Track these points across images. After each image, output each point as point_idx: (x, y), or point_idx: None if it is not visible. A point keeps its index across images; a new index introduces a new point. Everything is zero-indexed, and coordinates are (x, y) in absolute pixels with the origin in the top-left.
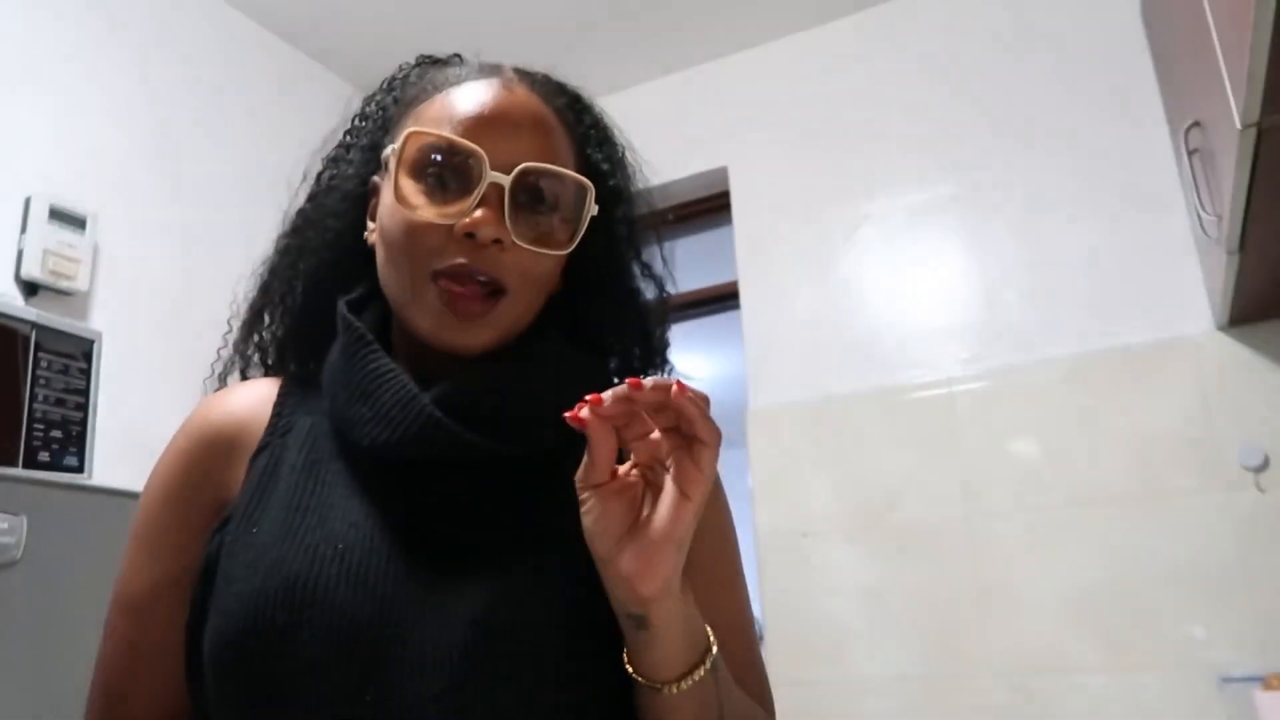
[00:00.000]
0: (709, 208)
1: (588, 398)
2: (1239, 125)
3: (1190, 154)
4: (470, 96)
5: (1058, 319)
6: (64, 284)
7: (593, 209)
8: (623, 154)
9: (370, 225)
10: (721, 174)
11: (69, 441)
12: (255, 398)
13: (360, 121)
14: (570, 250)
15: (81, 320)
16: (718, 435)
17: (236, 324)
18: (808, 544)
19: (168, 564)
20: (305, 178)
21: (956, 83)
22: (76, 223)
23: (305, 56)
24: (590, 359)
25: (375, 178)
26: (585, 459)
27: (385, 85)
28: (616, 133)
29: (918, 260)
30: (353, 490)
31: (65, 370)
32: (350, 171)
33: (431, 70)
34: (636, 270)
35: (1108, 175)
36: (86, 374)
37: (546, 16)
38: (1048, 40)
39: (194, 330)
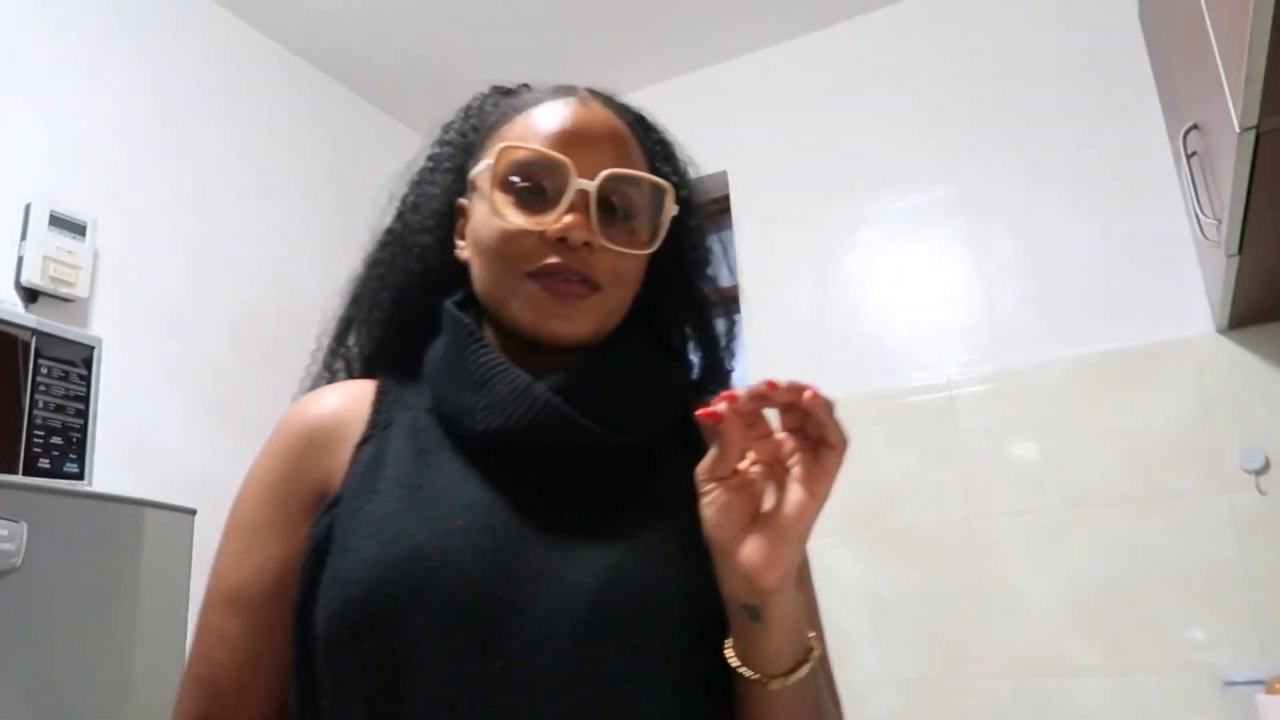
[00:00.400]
0: (709, 212)
1: (724, 394)
2: (1237, 128)
3: (1189, 157)
4: (552, 114)
5: (1057, 321)
6: (64, 290)
7: (673, 209)
8: (686, 169)
9: (460, 243)
10: (721, 178)
11: (69, 448)
12: (353, 394)
13: (442, 147)
14: (653, 250)
15: (82, 327)
16: (846, 440)
17: (326, 340)
18: (808, 546)
19: (271, 552)
20: (390, 199)
21: (955, 85)
22: (77, 229)
23: (306, 64)
24: (671, 362)
25: (462, 200)
26: (713, 452)
27: (463, 113)
28: (678, 148)
29: (917, 263)
30: (465, 475)
31: (65, 377)
32: (435, 192)
33: (507, 97)
34: (705, 279)
35: (1107, 178)
36: (86, 380)
37: (547, 23)
38: (1046, 43)
39: (194, 336)
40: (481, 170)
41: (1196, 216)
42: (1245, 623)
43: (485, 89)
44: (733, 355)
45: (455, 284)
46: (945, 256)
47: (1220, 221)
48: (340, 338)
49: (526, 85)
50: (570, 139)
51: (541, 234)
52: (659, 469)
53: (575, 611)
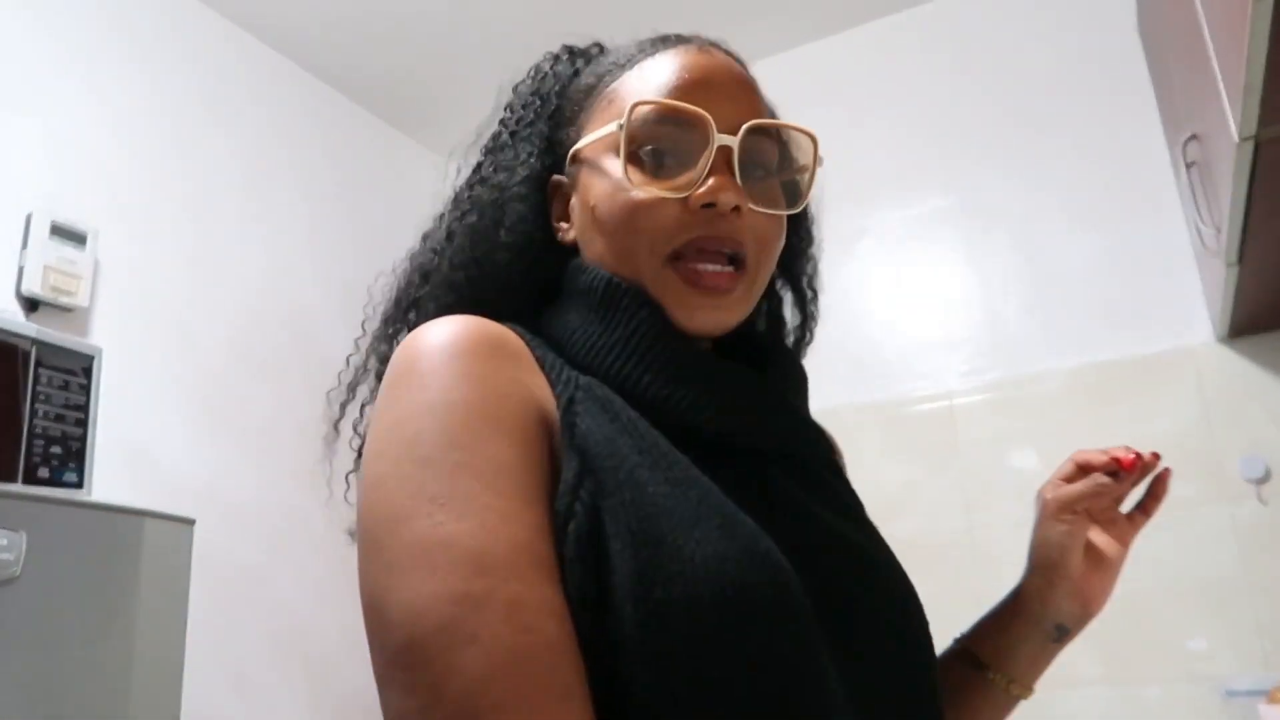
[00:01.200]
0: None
1: (1144, 455)
2: (1236, 138)
3: (1188, 166)
4: (677, 63)
5: (1057, 331)
6: (64, 300)
7: (821, 159)
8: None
9: (563, 225)
10: None
11: (68, 457)
12: (505, 332)
13: (516, 112)
14: (801, 208)
15: (82, 336)
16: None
17: (374, 324)
18: None
19: (541, 510)
20: (459, 171)
21: (954, 95)
22: (77, 239)
23: (307, 74)
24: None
25: (557, 176)
26: (1081, 486)
27: (536, 76)
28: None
29: (917, 273)
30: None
31: (65, 386)
32: (521, 159)
33: (588, 58)
34: (814, 257)
35: (1107, 187)
36: (86, 390)
37: (548, 35)
38: (1045, 52)
39: (194, 347)
40: (599, 137)
41: (1196, 226)
42: (1247, 632)
43: (553, 50)
44: (810, 341)
45: (543, 266)
46: (945, 266)
47: (1220, 231)
48: (402, 319)
49: (598, 45)
50: (704, 88)
51: (684, 202)
52: (840, 474)
53: (893, 610)
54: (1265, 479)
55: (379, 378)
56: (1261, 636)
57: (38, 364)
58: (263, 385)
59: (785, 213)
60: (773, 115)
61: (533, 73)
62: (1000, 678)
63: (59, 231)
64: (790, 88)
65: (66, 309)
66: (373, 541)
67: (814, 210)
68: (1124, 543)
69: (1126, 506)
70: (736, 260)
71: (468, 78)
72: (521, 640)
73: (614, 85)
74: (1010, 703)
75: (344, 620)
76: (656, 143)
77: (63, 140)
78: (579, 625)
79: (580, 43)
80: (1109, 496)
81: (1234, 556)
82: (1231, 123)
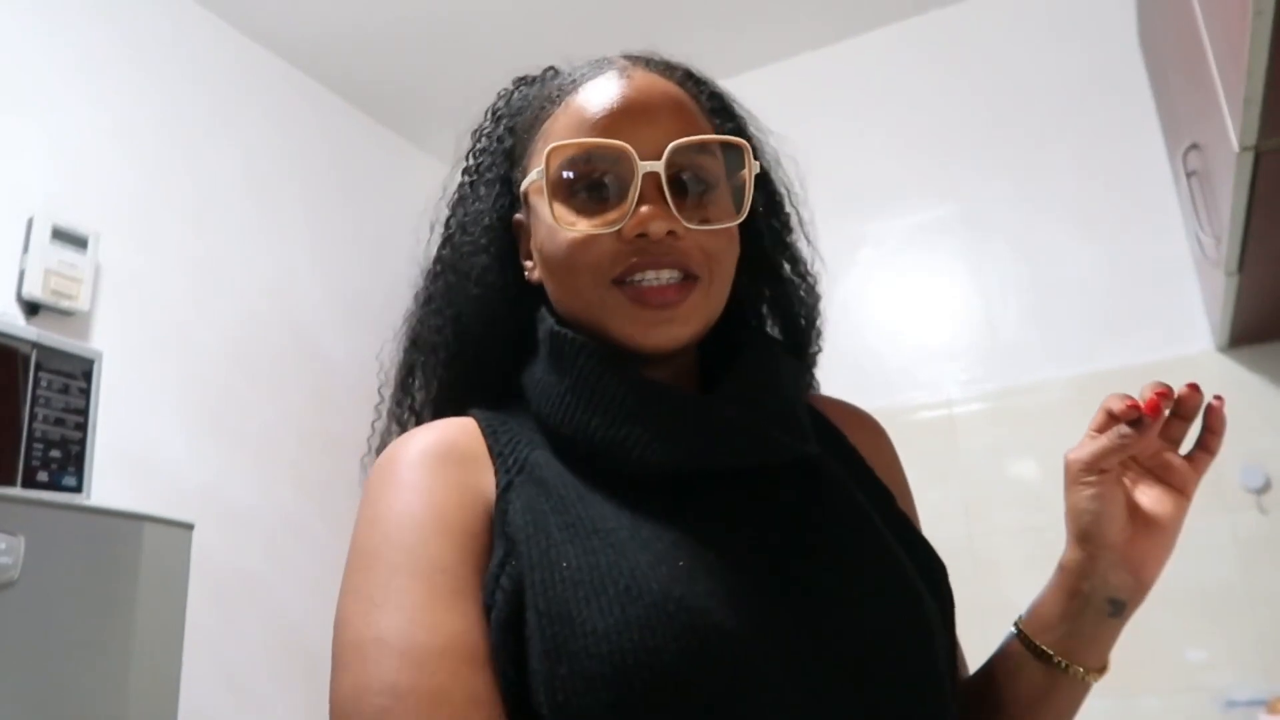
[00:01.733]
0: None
1: (1157, 389)
2: (1236, 148)
3: (1189, 176)
4: (595, 96)
5: (1058, 340)
6: (65, 304)
7: (755, 166)
8: (747, 121)
9: (528, 264)
10: None
11: (68, 461)
12: (456, 429)
13: (478, 158)
14: (743, 218)
15: (82, 340)
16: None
17: (388, 390)
18: None
19: (475, 606)
20: (433, 229)
21: (955, 104)
22: (79, 243)
23: (311, 80)
24: (787, 353)
25: (517, 216)
26: (1099, 445)
27: (492, 116)
28: (736, 104)
29: (918, 281)
30: (644, 512)
31: (65, 390)
32: (483, 208)
33: (535, 87)
34: (782, 246)
35: (1107, 197)
36: (86, 394)
37: (551, 44)
38: (1046, 62)
39: (195, 352)
40: (533, 180)
41: (1196, 235)
42: (1247, 643)
43: (507, 85)
44: (819, 333)
45: (522, 308)
46: (946, 275)
47: (1220, 240)
48: (404, 386)
49: (553, 69)
50: (622, 119)
51: (617, 235)
52: (824, 471)
53: (856, 644)
54: (1265, 489)
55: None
56: (1262, 647)
57: (38, 368)
58: (263, 391)
59: (726, 225)
60: (714, 125)
61: (489, 114)
62: (1066, 663)
63: (60, 235)
64: (792, 96)
65: (67, 313)
66: (332, 650)
67: (782, 188)
68: (1185, 492)
69: (1185, 447)
70: (686, 274)
71: (470, 84)
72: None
73: (547, 124)
74: (1084, 688)
75: None
76: (586, 179)
77: (65, 144)
78: (510, 707)
79: (538, 69)
80: (1143, 446)
81: (1234, 566)
82: (1232, 133)
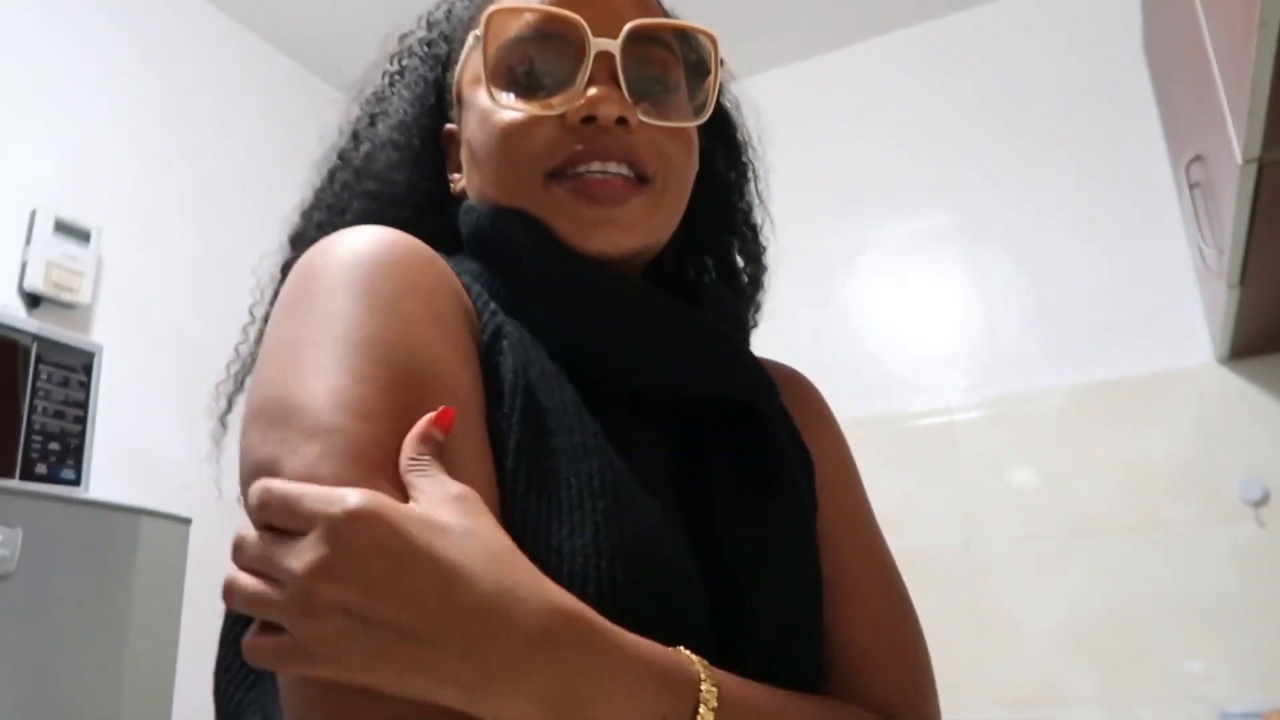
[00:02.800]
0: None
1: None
2: (1239, 160)
3: (1191, 187)
4: None
5: (1058, 348)
6: (66, 297)
7: (721, 69)
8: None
9: (455, 178)
10: None
11: (66, 454)
12: (431, 252)
13: (404, 60)
14: (704, 119)
15: (83, 333)
16: None
17: (260, 308)
18: None
19: (476, 414)
20: (341, 131)
21: (959, 110)
22: (81, 236)
23: (311, 74)
24: (735, 294)
25: (449, 125)
26: None
27: (426, 22)
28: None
29: (919, 287)
30: (608, 426)
31: (65, 383)
32: (403, 107)
33: None
34: (746, 193)
35: (1110, 206)
36: (86, 387)
37: None
38: (1050, 70)
39: (195, 346)
40: (466, 65)
41: (1198, 246)
42: (1244, 654)
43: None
44: (762, 292)
45: (430, 226)
46: (947, 281)
47: (1222, 252)
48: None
49: None
50: None
51: (561, 119)
52: (772, 431)
53: (777, 604)
54: (1264, 501)
55: None
56: (1259, 659)
57: (38, 360)
58: None
59: (686, 124)
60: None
61: (423, 18)
62: None
63: (63, 228)
64: (795, 101)
65: (68, 306)
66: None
67: (750, 137)
68: None
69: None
70: (637, 172)
71: None
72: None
73: (485, 13)
74: None
75: None
76: (527, 60)
77: (69, 137)
78: None
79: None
80: None
81: (1232, 578)
82: (1235, 145)
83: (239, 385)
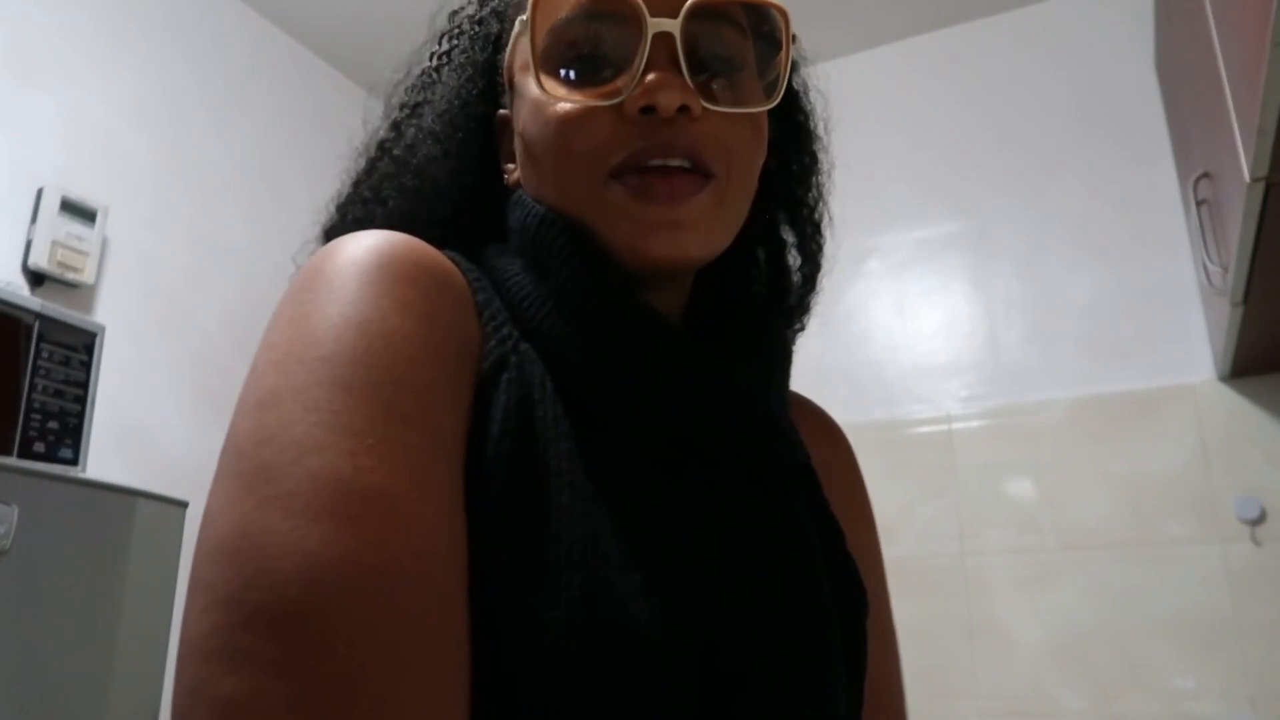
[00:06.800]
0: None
1: None
2: (1248, 179)
3: (1199, 204)
4: None
5: (1059, 361)
6: (70, 276)
7: (794, 41)
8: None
9: (509, 168)
10: None
11: (65, 434)
12: (440, 256)
13: (450, 41)
14: (775, 103)
15: (86, 313)
16: None
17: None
18: None
19: (454, 457)
20: (385, 115)
21: (967, 121)
22: (87, 215)
23: (321, 60)
24: (781, 317)
25: (502, 111)
26: None
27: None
28: None
29: (922, 296)
30: (618, 470)
31: (66, 362)
32: (449, 95)
33: None
34: (812, 186)
35: (1116, 220)
36: (87, 367)
37: None
38: (1062, 84)
39: (197, 330)
40: (514, 49)
41: (1204, 263)
42: (1235, 673)
43: None
44: (815, 295)
45: (475, 220)
46: (950, 291)
47: (1227, 269)
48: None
49: None
50: None
51: (618, 109)
52: (788, 489)
53: (775, 671)
54: (1260, 520)
55: None
56: (1249, 678)
57: (40, 339)
58: None
59: (755, 109)
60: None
61: None
62: None
63: (69, 207)
64: None
65: (72, 285)
66: (259, 468)
67: (819, 125)
68: None
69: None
70: (700, 168)
71: None
72: (423, 626)
73: None
74: None
75: None
76: (580, 45)
77: (77, 117)
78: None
79: None
80: None
81: (1225, 597)
82: (1244, 163)
83: None
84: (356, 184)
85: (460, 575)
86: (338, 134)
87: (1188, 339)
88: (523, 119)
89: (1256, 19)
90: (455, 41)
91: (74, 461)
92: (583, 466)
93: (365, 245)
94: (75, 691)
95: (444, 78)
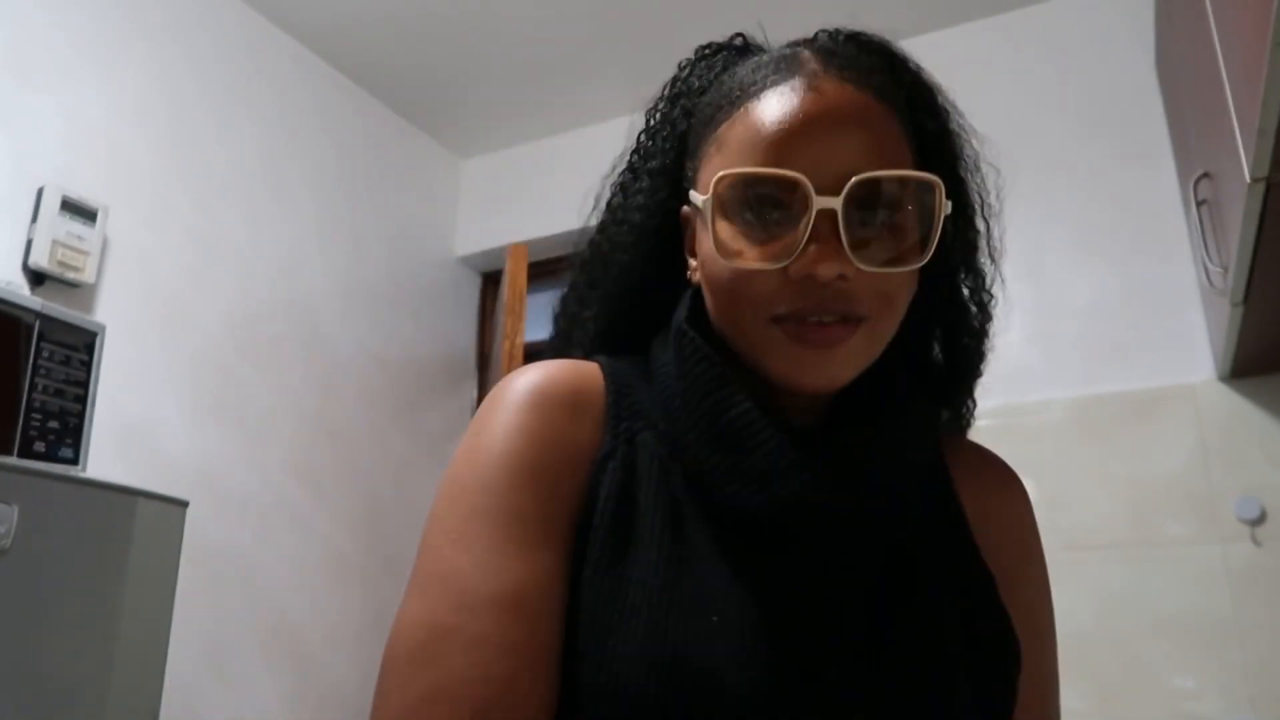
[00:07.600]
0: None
1: None
2: (1248, 179)
3: (1199, 204)
4: (774, 111)
5: (1060, 361)
6: (71, 275)
7: (946, 206)
8: (949, 118)
9: (692, 262)
10: None
11: (65, 433)
12: (579, 376)
13: (647, 139)
14: (925, 261)
15: (86, 313)
16: None
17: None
18: None
19: (548, 556)
20: (596, 204)
21: (969, 119)
22: (88, 215)
23: (323, 62)
24: (927, 411)
25: (686, 209)
26: None
27: (668, 94)
28: (941, 95)
29: None
30: (715, 548)
31: (66, 362)
32: (639, 201)
33: (720, 74)
34: (975, 265)
35: (1116, 221)
36: (87, 366)
37: (565, 34)
38: (1060, 84)
39: (198, 330)
40: (701, 197)
41: (1204, 264)
42: (1235, 673)
43: (686, 59)
44: (983, 358)
45: (670, 297)
46: None
47: (1227, 270)
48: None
49: (741, 38)
50: (801, 141)
51: (783, 272)
52: (924, 550)
53: None
54: (1260, 521)
55: None
56: (1249, 678)
57: (40, 338)
58: (263, 373)
59: (907, 269)
60: (915, 114)
61: (667, 91)
62: None
63: (69, 207)
64: None
65: (72, 285)
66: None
67: (976, 198)
68: None
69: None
70: (851, 318)
71: (484, 75)
72: (470, 674)
73: (723, 129)
74: None
75: (329, 611)
76: (753, 207)
77: (79, 116)
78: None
79: (724, 36)
80: None
81: (1226, 597)
82: (1244, 163)
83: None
84: (574, 283)
85: (517, 619)
86: (338, 134)
87: (1188, 339)
88: (702, 253)
89: (1256, 19)
90: (652, 140)
91: (74, 461)
92: (674, 531)
93: (509, 385)
94: (75, 691)
95: (639, 182)
